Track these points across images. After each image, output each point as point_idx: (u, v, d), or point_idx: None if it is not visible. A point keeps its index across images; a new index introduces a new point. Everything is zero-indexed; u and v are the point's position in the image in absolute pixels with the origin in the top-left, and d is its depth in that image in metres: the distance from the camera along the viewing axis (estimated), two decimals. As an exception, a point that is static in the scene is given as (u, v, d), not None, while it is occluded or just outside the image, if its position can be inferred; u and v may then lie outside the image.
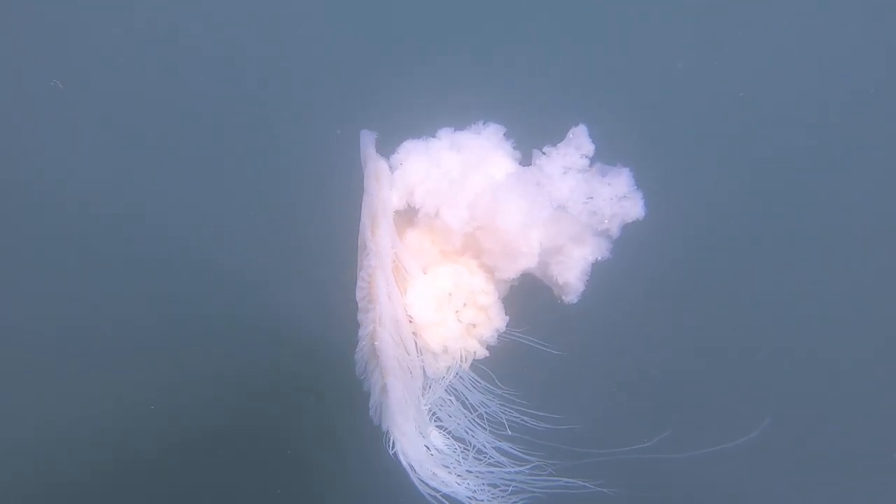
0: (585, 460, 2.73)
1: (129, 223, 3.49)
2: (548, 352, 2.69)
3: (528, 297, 2.58)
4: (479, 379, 2.67)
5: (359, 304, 2.18)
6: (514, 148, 2.40)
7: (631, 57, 3.75)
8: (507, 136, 2.39)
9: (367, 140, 2.27)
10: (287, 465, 3.52)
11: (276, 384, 3.49)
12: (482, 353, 2.39)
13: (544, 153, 2.23)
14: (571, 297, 2.23)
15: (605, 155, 2.35)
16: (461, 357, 2.38)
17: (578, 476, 2.69)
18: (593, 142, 2.26)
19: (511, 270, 2.19)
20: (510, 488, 2.53)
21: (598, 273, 2.56)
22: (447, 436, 2.65)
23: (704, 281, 3.75)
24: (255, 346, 3.52)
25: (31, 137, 3.40)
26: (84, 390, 3.48)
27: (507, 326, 2.55)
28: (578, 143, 2.18)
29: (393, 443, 2.50)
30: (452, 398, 2.65)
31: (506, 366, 2.74)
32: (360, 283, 2.11)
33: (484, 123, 2.42)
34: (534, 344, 2.63)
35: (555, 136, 2.37)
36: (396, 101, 3.06)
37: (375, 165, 2.21)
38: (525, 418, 2.67)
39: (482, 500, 2.52)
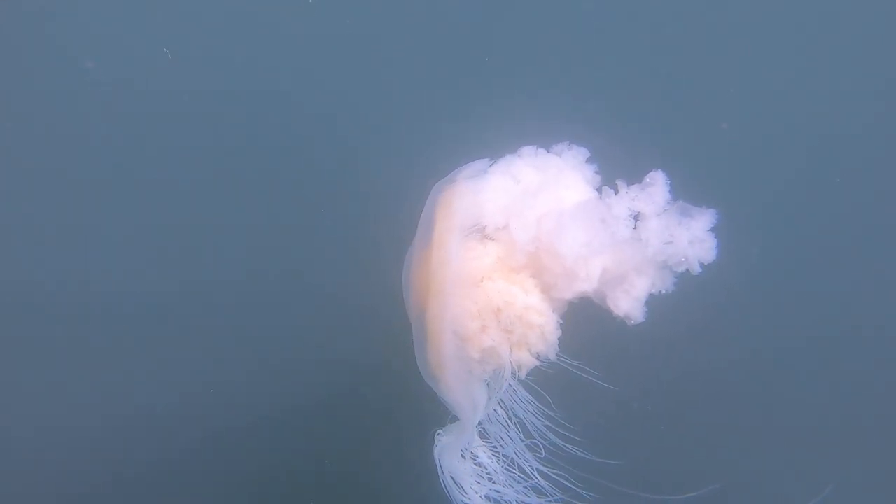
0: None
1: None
2: (603, 385, 2.68)
3: (592, 328, 2.59)
4: (532, 399, 2.69)
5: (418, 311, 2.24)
6: (596, 173, 2.42)
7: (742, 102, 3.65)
8: (590, 160, 2.42)
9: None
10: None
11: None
12: (531, 363, 2.38)
13: (616, 190, 2.22)
14: (631, 322, 2.20)
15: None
16: (511, 370, 2.39)
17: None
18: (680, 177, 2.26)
19: (568, 291, 2.19)
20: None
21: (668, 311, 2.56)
22: (491, 450, 2.68)
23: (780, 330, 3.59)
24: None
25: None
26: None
27: (567, 357, 2.57)
28: (652, 191, 2.15)
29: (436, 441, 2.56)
30: (502, 412, 2.68)
31: (563, 393, 2.75)
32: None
33: (569, 145, 2.45)
34: (589, 376, 2.63)
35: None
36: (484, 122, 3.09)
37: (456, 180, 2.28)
38: (568, 446, 2.67)
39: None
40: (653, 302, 2.23)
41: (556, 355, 2.44)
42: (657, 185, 2.15)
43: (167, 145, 3.54)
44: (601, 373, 2.68)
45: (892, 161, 3.56)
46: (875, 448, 3.44)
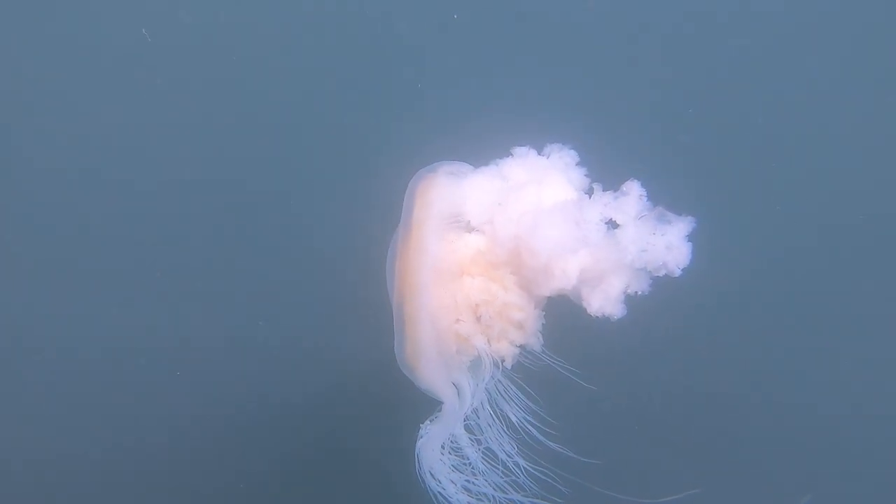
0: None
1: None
2: (585, 385, 2.72)
3: (576, 326, 2.62)
4: (516, 394, 2.72)
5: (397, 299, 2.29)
6: (585, 176, 2.45)
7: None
8: (579, 164, 2.46)
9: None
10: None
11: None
12: (513, 356, 2.44)
13: (591, 195, 2.27)
14: (607, 319, 2.24)
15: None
16: (492, 363, 2.44)
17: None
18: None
19: (547, 288, 2.25)
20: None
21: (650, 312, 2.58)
22: (472, 443, 2.72)
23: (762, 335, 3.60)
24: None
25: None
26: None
27: (550, 354, 2.62)
28: (625, 199, 2.19)
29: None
30: (487, 405, 2.72)
31: (545, 390, 2.79)
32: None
33: (559, 147, 2.49)
34: (571, 374, 2.67)
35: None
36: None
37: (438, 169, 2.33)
38: (550, 443, 2.71)
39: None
40: (633, 303, 2.27)
41: (540, 349, 2.49)
42: (632, 195, 2.19)
43: (152, 128, 3.56)
44: (583, 371, 2.72)
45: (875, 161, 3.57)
46: (857, 457, 3.45)
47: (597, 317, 2.26)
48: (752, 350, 3.52)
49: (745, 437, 3.44)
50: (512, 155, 2.47)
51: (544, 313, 2.46)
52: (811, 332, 3.52)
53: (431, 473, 2.61)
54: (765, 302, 3.50)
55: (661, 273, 2.18)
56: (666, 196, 2.26)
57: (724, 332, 3.46)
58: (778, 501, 3.30)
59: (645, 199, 2.21)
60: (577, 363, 2.70)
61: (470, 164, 2.52)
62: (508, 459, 2.70)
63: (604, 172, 2.45)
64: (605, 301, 2.21)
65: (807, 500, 3.04)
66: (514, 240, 2.20)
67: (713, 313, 3.37)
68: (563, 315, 2.49)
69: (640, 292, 2.21)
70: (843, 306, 3.50)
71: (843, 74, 3.52)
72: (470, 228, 2.38)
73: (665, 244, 2.12)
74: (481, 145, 2.63)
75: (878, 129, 3.53)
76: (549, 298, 2.43)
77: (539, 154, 2.47)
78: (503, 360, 2.48)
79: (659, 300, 2.32)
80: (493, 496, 2.63)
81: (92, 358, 3.63)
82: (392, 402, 3.03)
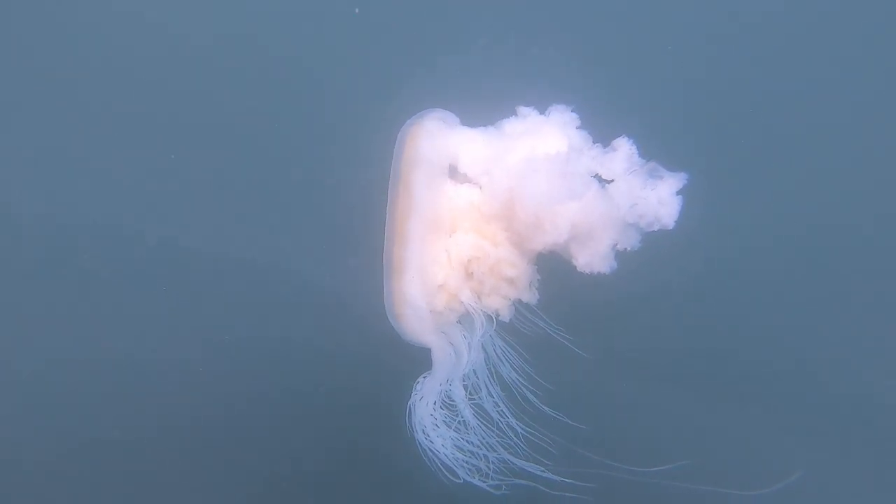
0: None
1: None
2: (576, 351, 2.73)
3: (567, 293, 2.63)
4: (510, 354, 2.73)
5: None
6: (583, 135, 2.46)
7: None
8: (580, 127, 2.47)
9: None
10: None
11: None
12: (506, 312, 2.47)
13: (581, 150, 2.29)
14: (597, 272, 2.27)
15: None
16: (483, 319, 2.47)
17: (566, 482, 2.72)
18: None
19: (538, 243, 2.26)
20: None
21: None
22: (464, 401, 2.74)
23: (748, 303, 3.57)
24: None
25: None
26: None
27: (543, 315, 2.63)
28: (614, 156, 2.23)
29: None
30: (482, 364, 2.74)
31: (538, 352, 2.80)
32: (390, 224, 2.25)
33: (563, 107, 2.50)
34: (563, 338, 2.68)
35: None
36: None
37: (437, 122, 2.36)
38: (542, 405, 2.72)
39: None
40: (624, 259, 2.28)
41: (535, 304, 2.51)
42: (621, 150, 2.21)
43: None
44: (576, 335, 2.73)
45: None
46: (847, 435, 3.41)
47: (585, 272, 2.28)
48: (742, 307, 3.49)
49: (736, 401, 3.40)
50: (515, 115, 2.50)
51: (537, 268, 2.47)
52: (801, 287, 3.49)
53: (423, 429, 2.64)
54: (756, 259, 3.47)
55: (653, 228, 2.19)
56: (662, 153, 2.27)
57: (715, 289, 3.43)
58: (768, 468, 3.27)
59: (636, 154, 2.22)
60: (570, 324, 2.72)
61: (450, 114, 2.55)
62: (501, 420, 2.73)
63: (606, 134, 2.46)
64: (593, 256, 2.22)
65: (795, 477, 3.03)
66: (507, 191, 2.22)
67: (705, 270, 3.34)
68: (557, 273, 2.50)
69: (629, 248, 2.23)
70: (832, 260, 3.47)
71: (834, 29, 3.48)
72: (465, 180, 2.41)
73: (657, 198, 2.14)
74: (487, 108, 2.65)
75: (868, 83, 3.49)
76: (543, 255, 2.45)
77: (541, 114, 2.50)
78: (497, 316, 2.51)
79: (651, 256, 2.34)
80: (483, 454, 2.66)
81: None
82: (386, 360, 3.05)
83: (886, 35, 3.51)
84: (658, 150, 2.27)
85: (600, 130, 2.48)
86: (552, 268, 2.52)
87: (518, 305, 2.56)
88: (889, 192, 3.47)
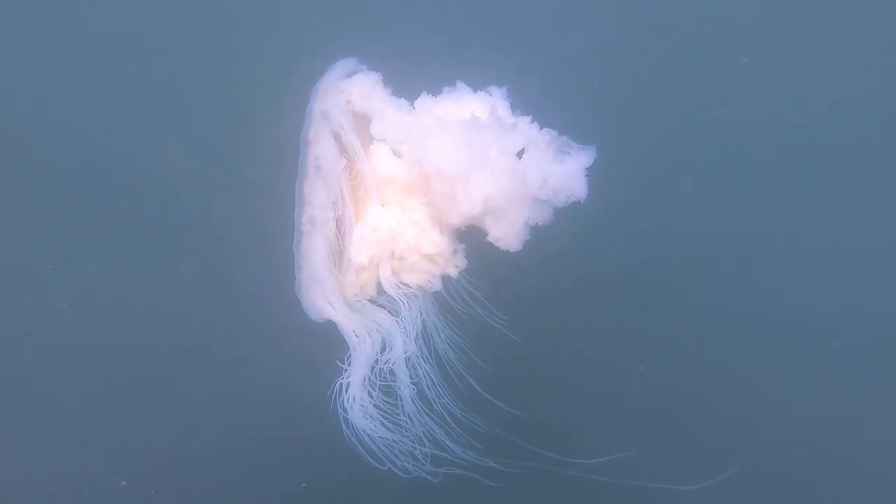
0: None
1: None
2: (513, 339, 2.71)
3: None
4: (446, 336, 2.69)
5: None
6: (516, 113, 2.45)
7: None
8: (512, 105, 2.46)
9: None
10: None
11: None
12: (427, 288, 2.44)
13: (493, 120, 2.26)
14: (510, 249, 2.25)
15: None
16: (406, 296, 2.43)
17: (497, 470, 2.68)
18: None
19: (453, 215, 2.22)
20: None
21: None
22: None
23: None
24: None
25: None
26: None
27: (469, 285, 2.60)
28: (517, 132, 2.21)
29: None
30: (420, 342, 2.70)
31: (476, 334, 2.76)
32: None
33: (502, 89, 2.51)
34: (499, 326, 2.66)
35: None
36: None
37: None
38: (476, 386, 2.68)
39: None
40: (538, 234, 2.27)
41: (457, 278, 2.48)
42: (522, 127, 2.23)
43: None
44: (510, 317, 2.71)
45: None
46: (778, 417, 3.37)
47: (498, 247, 2.26)
48: (667, 290, 3.45)
49: (679, 395, 3.36)
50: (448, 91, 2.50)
51: (464, 246, 2.45)
52: (716, 261, 3.48)
53: (345, 408, 2.59)
54: (692, 248, 3.46)
55: (564, 202, 2.18)
56: (578, 131, 2.26)
57: (651, 277, 3.41)
58: (704, 461, 3.21)
59: (540, 128, 2.21)
60: (511, 312, 2.69)
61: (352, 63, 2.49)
62: (436, 401, 2.69)
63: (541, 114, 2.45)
64: (506, 231, 2.20)
65: (731, 472, 2.97)
66: (422, 152, 2.19)
67: (625, 247, 3.31)
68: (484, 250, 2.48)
69: (541, 223, 2.22)
70: (740, 229, 3.47)
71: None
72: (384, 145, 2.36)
73: (565, 173, 2.13)
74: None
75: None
76: (466, 231, 2.43)
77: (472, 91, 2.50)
78: (421, 292, 2.48)
79: (571, 233, 2.32)
80: (413, 433, 2.61)
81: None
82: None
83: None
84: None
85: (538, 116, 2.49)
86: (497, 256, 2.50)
87: (468, 297, 2.55)
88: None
